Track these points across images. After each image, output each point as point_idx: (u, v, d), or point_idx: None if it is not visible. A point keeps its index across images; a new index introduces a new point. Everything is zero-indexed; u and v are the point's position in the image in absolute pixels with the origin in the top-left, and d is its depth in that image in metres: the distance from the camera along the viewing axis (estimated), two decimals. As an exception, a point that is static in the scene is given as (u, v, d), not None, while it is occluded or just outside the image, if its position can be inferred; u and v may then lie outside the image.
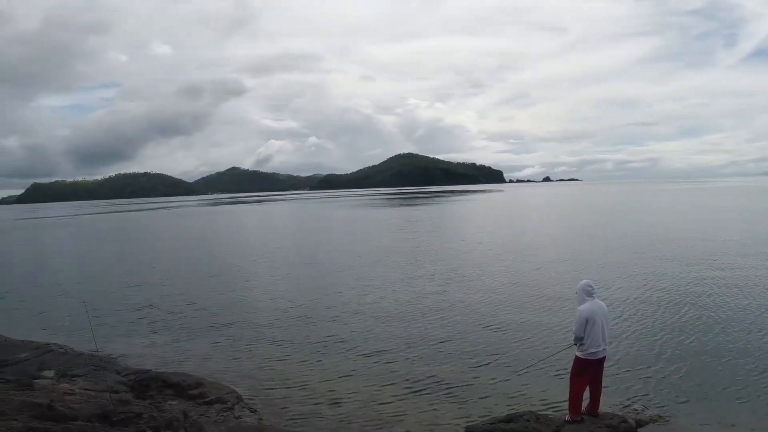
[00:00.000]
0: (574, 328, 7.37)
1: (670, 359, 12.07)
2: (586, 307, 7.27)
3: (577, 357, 7.43)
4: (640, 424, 8.60)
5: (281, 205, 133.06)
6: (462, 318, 16.22)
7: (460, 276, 23.19)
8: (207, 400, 8.97)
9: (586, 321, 7.20)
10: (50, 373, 9.64)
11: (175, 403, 8.34)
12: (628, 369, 11.53)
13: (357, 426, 9.39)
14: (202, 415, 8.25)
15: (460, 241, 37.20)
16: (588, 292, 7.41)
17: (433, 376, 11.63)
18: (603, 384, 8.04)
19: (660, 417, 9.12)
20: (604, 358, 7.48)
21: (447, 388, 10.93)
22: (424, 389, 10.93)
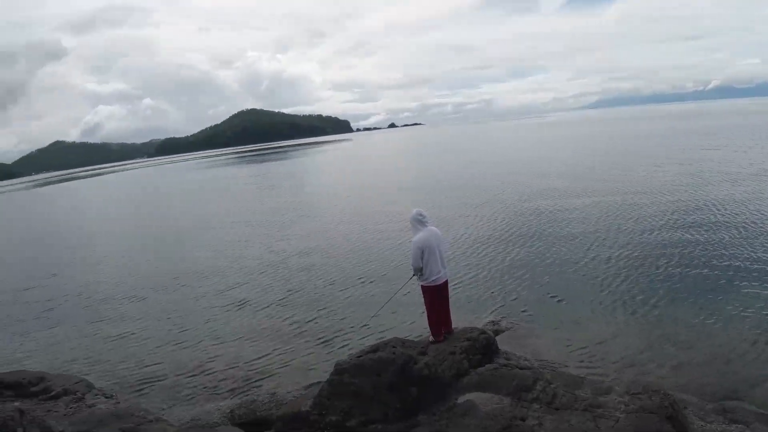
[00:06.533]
0: (411, 261, 7.40)
1: (510, 277, 13.49)
2: (420, 237, 7.32)
3: (422, 286, 7.61)
4: (498, 333, 9.71)
5: (117, 177, 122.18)
6: (319, 269, 16.38)
7: (320, 230, 23.12)
8: (52, 394, 8.13)
9: (422, 251, 7.27)
10: None
11: (16, 404, 7.48)
12: (477, 289, 12.77)
13: (225, 388, 9.22)
14: (49, 411, 7.51)
15: (316, 194, 37.21)
16: (420, 221, 7.41)
17: (295, 328, 11.74)
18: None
19: (513, 325, 10.46)
20: (447, 281, 7.78)
21: (312, 337, 11.09)
22: (289, 341, 11.00)
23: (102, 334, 12.81)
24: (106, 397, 8.60)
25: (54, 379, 8.86)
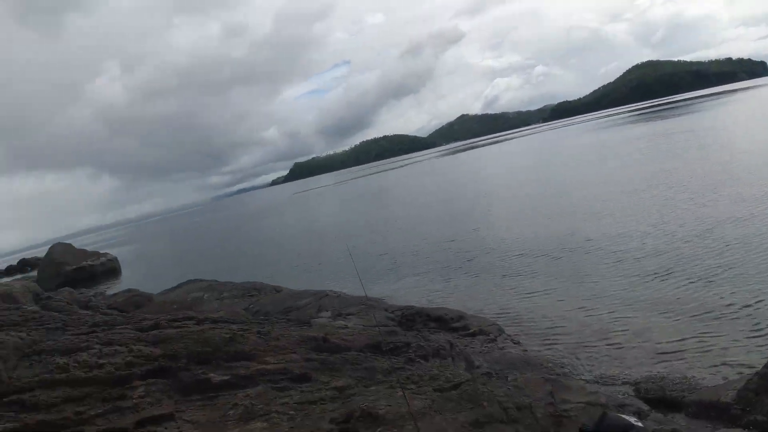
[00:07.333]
0: None
1: None
2: None
3: None
4: None
5: (515, 144, 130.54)
6: (761, 243, 13.09)
7: (759, 195, 18.14)
8: (469, 332, 9.17)
9: None
10: (327, 314, 10.88)
11: (440, 335, 8.67)
12: None
13: (630, 359, 8.64)
14: (466, 346, 8.44)
15: (744, 152, 30.98)
16: None
17: (715, 307, 9.97)
18: None
19: None
20: None
21: (743, 324, 9.17)
22: (714, 323, 9.38)
23: (513, 286, 13.76)
24: (514, 343, 9.19)
25: (470, 319, 9.97)
